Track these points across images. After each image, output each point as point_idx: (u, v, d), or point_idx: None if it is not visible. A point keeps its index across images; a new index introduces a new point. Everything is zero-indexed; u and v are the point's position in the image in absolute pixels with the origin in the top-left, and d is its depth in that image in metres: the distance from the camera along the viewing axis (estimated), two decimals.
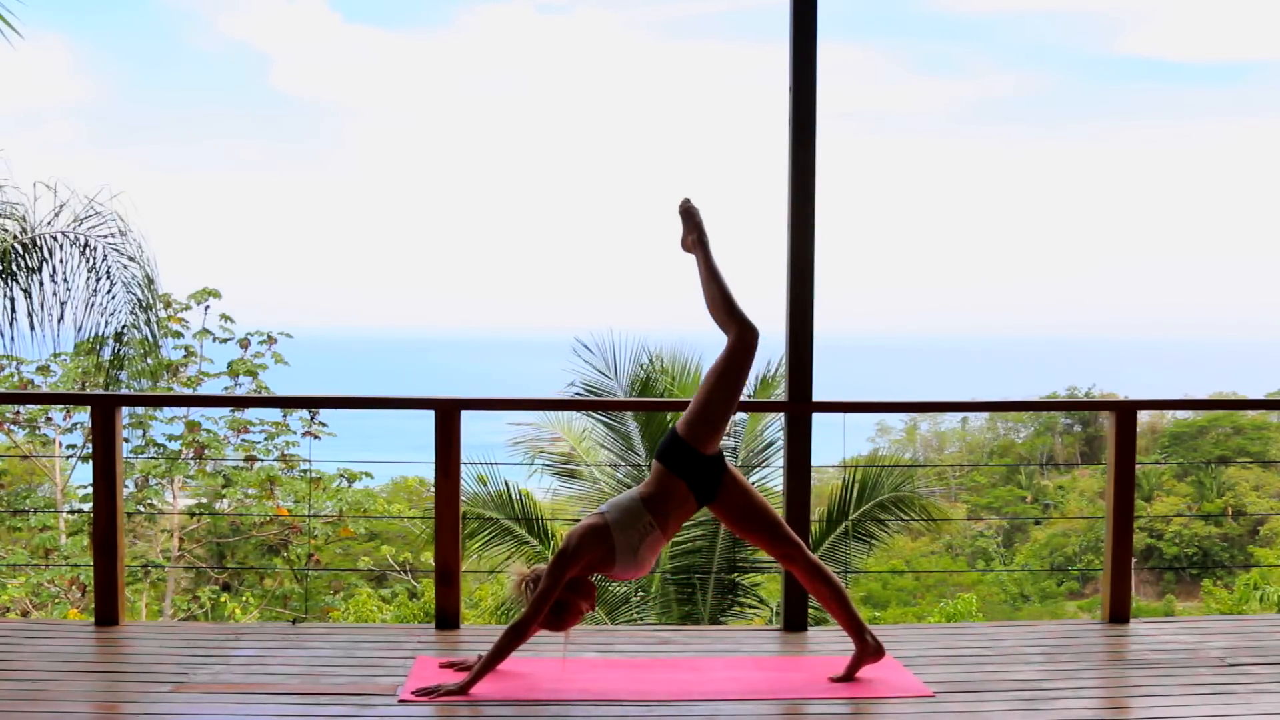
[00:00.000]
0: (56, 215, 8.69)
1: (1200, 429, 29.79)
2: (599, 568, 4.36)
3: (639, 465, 10.14)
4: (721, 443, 4.44)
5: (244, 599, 12.14)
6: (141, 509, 11.80)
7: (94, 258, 8.64)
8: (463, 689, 4.24)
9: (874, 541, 10.40)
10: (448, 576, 5.20)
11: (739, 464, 10.25)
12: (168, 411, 11.96)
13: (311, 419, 12.23)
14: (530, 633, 4.33)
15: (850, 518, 9.98)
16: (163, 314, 10.34)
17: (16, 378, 11.72)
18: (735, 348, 4.38)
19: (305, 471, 12.23)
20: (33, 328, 8.52)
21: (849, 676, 4.43)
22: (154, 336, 9.20)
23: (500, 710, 4.16)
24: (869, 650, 4.47)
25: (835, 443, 6.18)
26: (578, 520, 10.51)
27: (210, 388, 12.32)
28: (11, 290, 8.41)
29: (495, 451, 10.35)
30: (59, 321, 8.61)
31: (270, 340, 12.58)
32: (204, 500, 12.50)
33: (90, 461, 6.28)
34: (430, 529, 5.87)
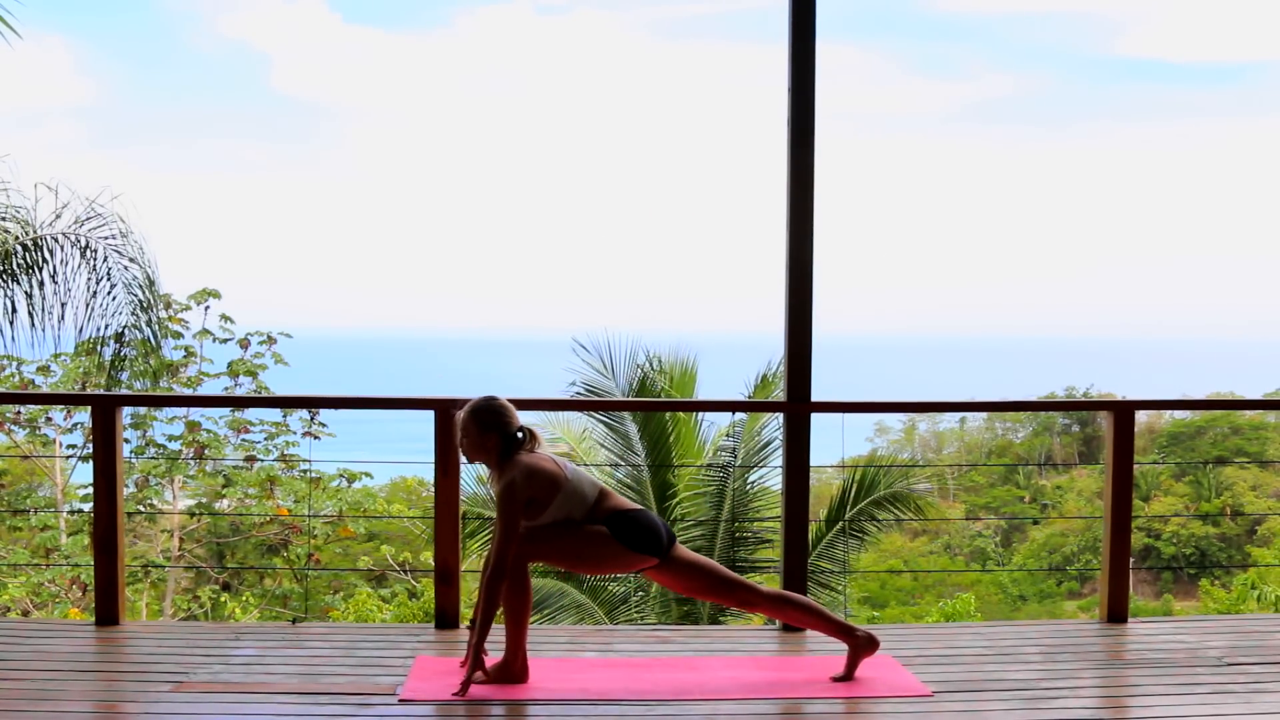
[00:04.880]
0: (58, 217, 8.70)
1: (1198, 429, 29.83)
2: (528, 513, 4.33)
3: (638, 465, 10.15)
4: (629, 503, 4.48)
5: (244, 599, 12.14)
6: (142, 509, 11.80)
7: (95, 259, 8.65)
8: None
9: (865, 538, 10.45)
10: (447, 576, 5.21)
11: (738, 464, 10.27)
12: (168, 411, 11.96)
13: (311, 419, 12.23)
14: (506, 580, 4.25)
15: (846, 517, 10.00)
16: (163, 314, 10.34)
17: (17, 378, 11.73)
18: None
19: (305, 471, 12.23)
20: (34, 328, 8.53)
21: (849, 675, 4.45)
22: (154, 337, 9.21)
23: (500, 710, 4.18)
24: (861, 644, 4.47)
25: (834, 443, 6.19)
26: None
27: (210, 388, 12.32)
28: (12, 291, 8.42)
29: None
30: (59, 322, 8.62)
31: (270, 340, 12.58)
32: (204, 500, 12.51)
33: (90, 461, 6.29)
34: (430, 529, 5.88)
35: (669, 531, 4.47)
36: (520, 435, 4.42)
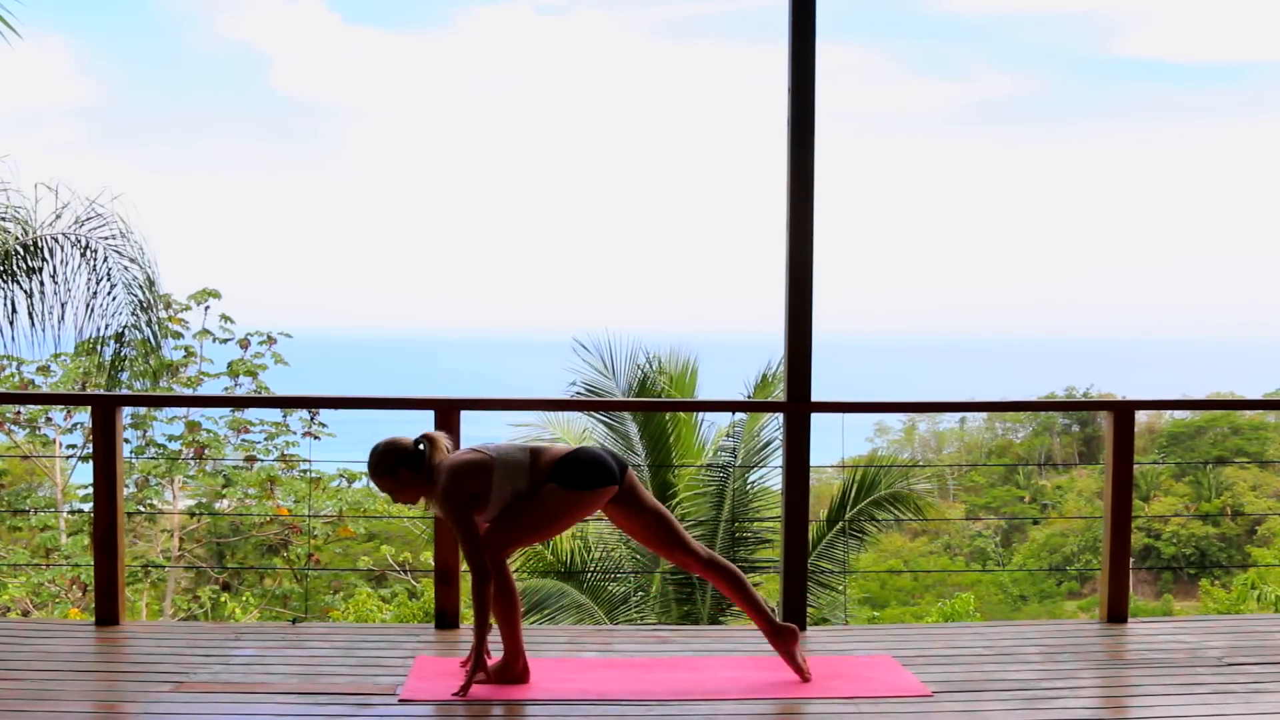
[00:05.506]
0: (58, 217, 8.71)
1: (1198, 429, 29.82)
2: (476, 508, 4.30)
3: (638, 465, 10.15)
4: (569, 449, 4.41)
5: (244, 599, 12.14)
6: (141, 509, 11.81)
7: (95, 259, 8.66)
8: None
9: (865, 538, 10.45)
10: (447, 576, 5.21)
11: (738, 464, 10.26)
12: (168, 411, 11.97)
13: (311, 419, 12.25)
14: (491, 579, 4.24)
15: (846, 517, 10.01)
16: (163, 315, 10.34)
17: (17, 378, 11.73)
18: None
19: (305, 471, 12.24)
20: (34, 328, 8.53)
21: (800, 672, 4.41)
22: (155, 337, 9.22)
23: (500, 710, 4.18)
24: (784, 636, 4.45)
25: (834, 443, 6.19)
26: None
27: (210, 388, 12.33)
28: (12, 291, 8.42)
29: None
30: (59, 322, 8.63)
31: (270, 340, 12.59)
32: (204, 500, 12.51)
33: (90, 461, 6.29)
34: (430, 529, 5.88)
35: (618, 459, 4.43)
36: (420, 448, 4.34)
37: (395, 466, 4.32)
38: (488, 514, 4.31)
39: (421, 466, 4.32)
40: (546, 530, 4.44)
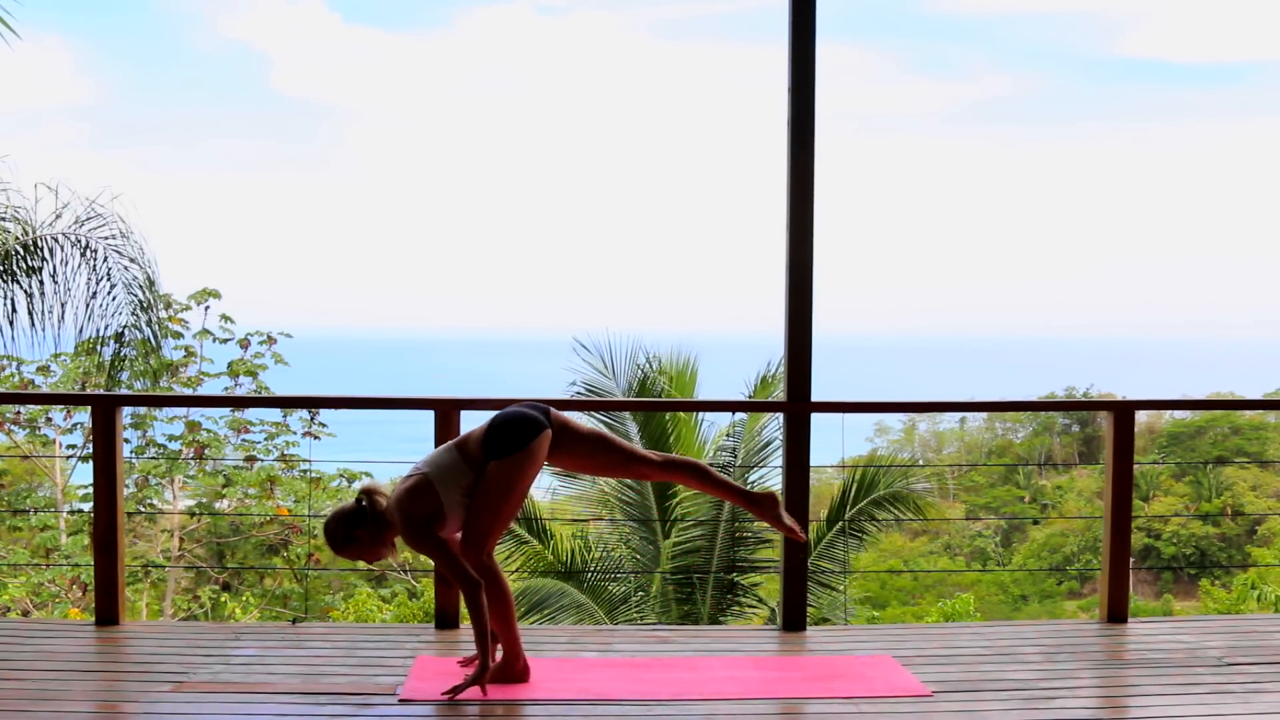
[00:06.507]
0: (58, 217, 8.71)
1: (1198, 429, 29.82)
2: (439, 523, 4.30)
3: None
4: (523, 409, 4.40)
5: (244, 599, 12.15)
6: (141, 509, 11.81)
7: (95, 259, 8.66)
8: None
9: (865, 538, 10.45)
10: (447, 577, 5.21)
11: (738, 464, 10.26)
12: (168, 411, 11.97)
13: (311, 419, 12.25)
14: (482, 585, 4.24)
15: (845, 516, 10.01)
16: (163, 314, 10.34)
17: (17, 378, 11.73)
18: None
19: (305, 471, 12.24)
20: (34, 328, 8.54)
21: (792, 532, 4.51)
22: (155, 337, 9.22)
23: (500, 710, 4.18)
24: (765, 504, 4.50)
25: (834, 443, 6.20)
26: (577, 519, 10.53)
27: (210, 388, 12.33)
28: (12, 291, 8.42)
29: None
30: (59, 322, 8.63)
31: (270, 340, 12.60)
32: (204, 500, 12.51)
33: (90, 461, 6.29)
34: None
35: (537, 405, 4.42)
36: (363, 503, 4.34)
37: (350, 533, 4.33)
38: (452, 523, 4.30)
39: (373, 519, 4.32)
40: (510, 505, 4.37)
